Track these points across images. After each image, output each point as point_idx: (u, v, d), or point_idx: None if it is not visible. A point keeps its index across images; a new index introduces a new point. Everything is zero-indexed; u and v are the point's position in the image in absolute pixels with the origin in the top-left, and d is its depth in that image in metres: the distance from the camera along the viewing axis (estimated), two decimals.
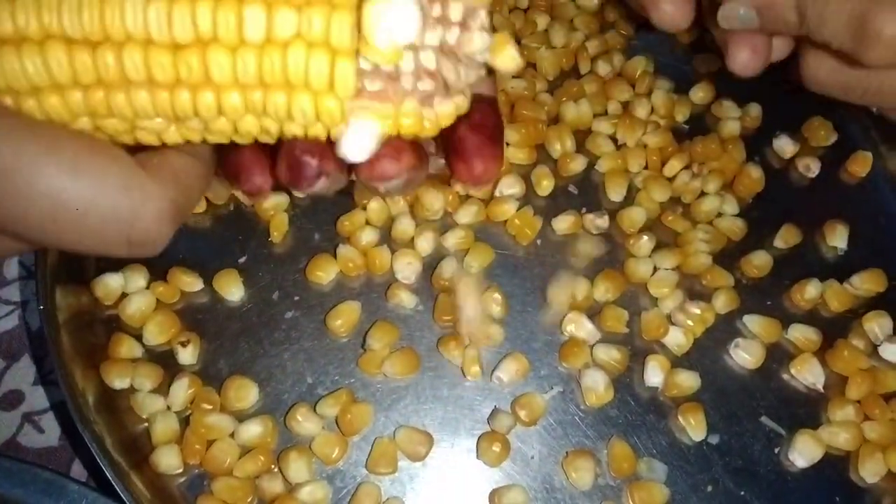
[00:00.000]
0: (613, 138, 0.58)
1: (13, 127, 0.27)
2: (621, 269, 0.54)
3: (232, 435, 0.47)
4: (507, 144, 0.57)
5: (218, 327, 0.51)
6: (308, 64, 0.27)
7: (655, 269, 0.53)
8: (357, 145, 0.29)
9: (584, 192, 0.57)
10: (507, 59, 0.30)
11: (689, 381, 0.50)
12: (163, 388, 0.49)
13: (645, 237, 0.54)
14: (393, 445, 0.48)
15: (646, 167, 0.57)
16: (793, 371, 0.51)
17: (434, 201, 0.54)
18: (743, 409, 0.50)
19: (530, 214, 0.55)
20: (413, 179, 0.31)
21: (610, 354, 0.51)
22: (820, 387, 0.51)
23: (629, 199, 0.56)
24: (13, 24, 0.27)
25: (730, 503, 0.48)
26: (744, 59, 0.41)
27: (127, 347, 0.49)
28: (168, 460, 0.46)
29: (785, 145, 0.59)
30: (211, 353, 0.50)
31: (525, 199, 0.56)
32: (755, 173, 0.57)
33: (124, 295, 0.51)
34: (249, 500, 0.46)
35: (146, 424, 0.48)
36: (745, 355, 0.51)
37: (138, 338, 0.50)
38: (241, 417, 0.48)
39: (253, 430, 0.47)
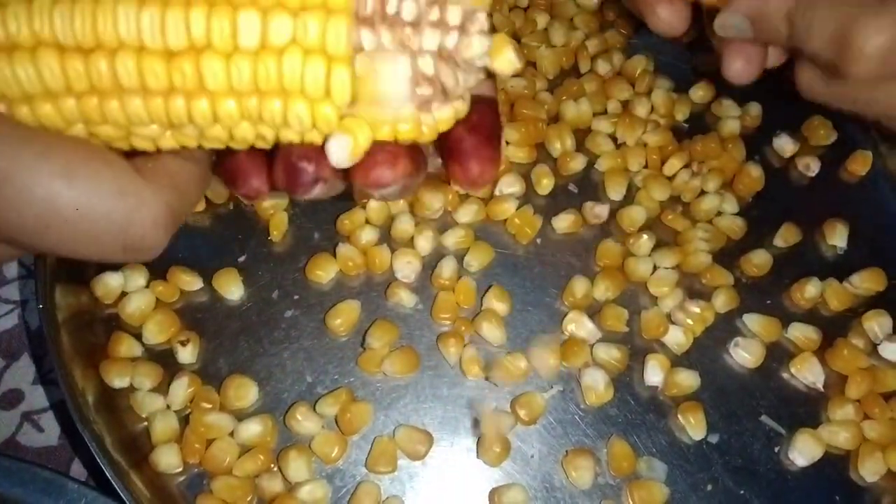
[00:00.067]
0: (613, 137, 0.58)
1: (6, 133, 0.27)
2: (621, 267, 0.54)
3: (231, 434, 0.47)
4: (507, 143, 0.57)
5: (217, 326, 0.51)
6: (304, 71, 0.27)
7: (655, 268, 0.53)
8: (341, 151, 0.28)
9: (584, 191, 0.57)
10: (506, 62, 0.29)
11: (688, 380, 0.50)
12: (162, 387, 0.49)
13: (645, 236, 0.54)
14: (392, 444, 0.48)
15: (646, 166, 0.57)
16: (793, 370, 0.51)
17: (434, 200, 0.54)
18: (743, 408, 0.50)
19: (530, 213, 0.55)
20: (410, 185, 0.31)
21: (610, 353, 0.51)
22: (820, 386, 0.51)
23: (629, 198, 0.56)
24: (4, 31, 0.26)
25: (729, 502, 0.48)
26: (738, 69, 0.42)
27: (126, 346, 0.49)
28: (168, 459, 0.46)
29: (785, 144, 0.59)
30: (210, 352, 0.50)
31: (525, 198, 0.56)
32: (755, 172, 0.57)
33: (124, 294, 0.51)
34: (249, 499, 0.46)
35: (146, 423, 0.48)
36: (744, 354, 0.51)
37: (138, 337, 0.50)
38: (241, 416, 0.48)
39: (252, 429, 0.47)
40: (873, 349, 0.52)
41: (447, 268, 0.52)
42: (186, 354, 0.49)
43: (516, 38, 0.61)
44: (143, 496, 0.44)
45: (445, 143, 0.31)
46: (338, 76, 0.27)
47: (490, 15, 0.62)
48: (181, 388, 0.48)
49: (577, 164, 0.57)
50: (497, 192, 0.55)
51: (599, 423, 0.49)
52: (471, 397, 0.50)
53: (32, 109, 0.27)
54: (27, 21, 0.26)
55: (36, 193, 0.27)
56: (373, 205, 0.54)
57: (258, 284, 0.52)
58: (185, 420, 0.48)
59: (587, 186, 0.57)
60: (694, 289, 0.53)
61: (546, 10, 0.63)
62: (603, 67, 0.61)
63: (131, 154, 0.30)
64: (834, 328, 0.53)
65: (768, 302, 0.54)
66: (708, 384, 0.51)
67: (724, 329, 0.52)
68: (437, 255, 0.53)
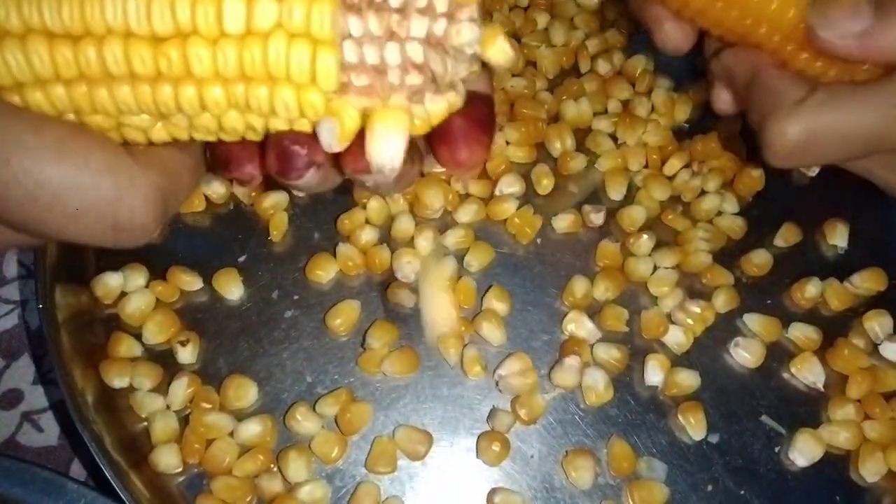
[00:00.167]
0: (613, 137, 0.58)
1: None
2: (621, 267, 0.54)
3: (231, 434, 0.47)
4: (508, 143, 0.56)
5: (217, 326, 0.51)
6: (289, 56, 0.27)
7: (655, 268, 0.53)
8: (329, 134, 0.28)
9: (584, 191, 0.57)
10: (499, 51, 0.29)
11: (688, 379, 0.50)
12: (162, 388, 0.49)
13: (645, 236, 0.54)
14: (392, 444, 0.48)
15: (646, 166, 0.57)
16: (793, 370, 0.51)
17: (434, 200, 0.53)
18: (743, 408, 0.50)
19: (530, 213, 0.54)
20: (403, 175, 0.30)
21: (610, 353, 0.51)
22: (820, 386, 0.51)
23: (629, 198, 0.56)
24: None
25: (730, 502, 0.48)
26: (722, 103, 0.43)
27: (126, 346, 0.49)
28: (167, 459, 0.46)
29: None
30: (210, 353, 0.50)
31: (525, 198, 0.56)
32: (755, 172, 0.57)
33: (124, 294, 0.51)
34: (249, 499, 0.46)
35: (145, 423, 0.48)
36: (745, 354, 0.51)
37: (138, 337, 0.50)
38: (241, 416, 0.48)
39: (252, 430, 0.47)
40: (874, 349, 0.52)
41: (447, 268, 0.52)
42: (186, 354, 0.49)
43: (516, 37, 0.61)
44: (143, 496, 0.44)
45: (436, 128, 0.30)
46: (323, 60, 0.27)
47: (490, 14, 0.63)
48: (181, 388, 0.48)
49: (578, 163, 0.57)
50: (497, 192, 0.55)
51: (599, 423, 0.49)
52: (471, 397, 0.50)
53: (23, 97, 0.28)
54: (16, 8, 0.26)
55: (24, 165, 0.27)
56: (373, 205, 0.54)
57: (258, 284, 0.52)
58: (184, 420, 0.48)
59: (587, 186, 0.57)
60: (694, 289, 0.53)
61: (546, 9, 0.63)
62: (603, 67, 0.61)
63: (124, 146, 0.30)
64: (834, 328, 0.52)
65: (769, 302, 0.54)
66: (708, 384, 0.50)
67: (724, 329, 0.52)
68: (437, 255, 0.53)
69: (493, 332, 0.51)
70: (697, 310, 0.51)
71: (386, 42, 0.28)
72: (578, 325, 0.51)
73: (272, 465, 0.47)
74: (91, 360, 0.48)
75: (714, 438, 0.49)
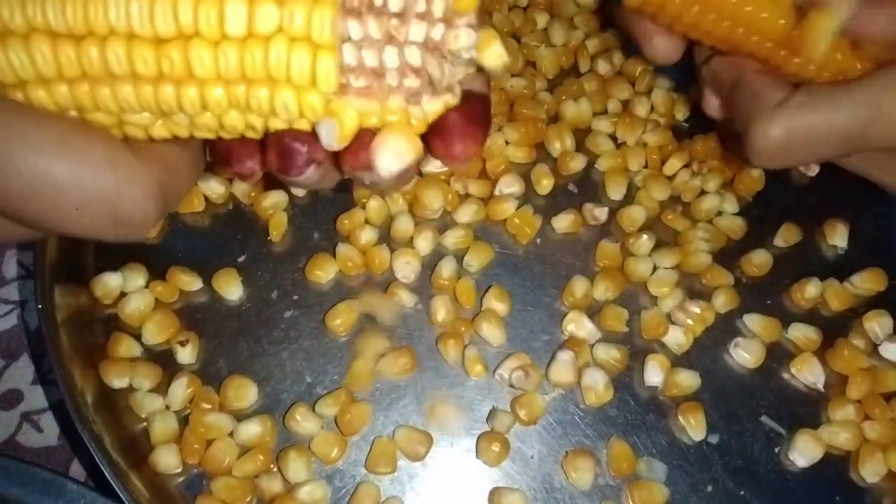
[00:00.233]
0: (613, 137, 0.58)
1: (1, 104, 0.28)
2: (621, 267, 0.54)
3: (231, 434, 0.47)
4: (507, 143, 0.56)
5: (217, 326, 0.51)
6: (290, 59, 0.27)
7: (655, 268, 0.53)
8: (328, 134, 0.29)
9: (583, 191, 0.57)
10: (494, 55, 0.30)
11: (688, 380, 0.50)
12: (162, 388, 0.49)
13: (645, 236, 0.54)
14: (392, 445, 0.48)
15: (645, 166, 0.57)
16: (793, 370, 0.51)
17: (433, 200, 0.53)
18: (743, 409, 0.50)
19: (530, 213, 0.54)
20: (401, 173, 0.31)
21: (610, 354, 0.51)
22: (820, 386, 0.51)
23: (629, 198, 0.56)
24: None
25: (730, 503, 0.48)
26: (711, 109, 0.45)
27: (126, 347, 0.49)
28: (167, 460, 0.46)
29: None
30: (210, 353, 0.50)
31: (525, 198, 0.56)
32: (755, 172, 0.57)
33: (123, 294, 0.51)
34: (248, 499, 0.46)
35: (145, 424, 0.48)
36: (745, 354, 0.51)
37: (137, 337, 0.50)
38: (240, 417, 0.48)
39: (252, 430, 0.47)
40: (874, 349, 0.52)
41: (447, 268, 0.52)
42: (186, 355, 0.49)
43: (516, 37, 0.61)
44: (143, 496, 0.44)
45: (431, 122, 0.31)
46: (323, 64, 0.27)
47: (490, 14, 0.63)
48: (180, 389, 0.48)
49: (577, 163, 0.57)
50: (497, 192, 0.55)
51: (599, 423, 0.49)
52: (470, 398, 0.50)
53: (26, 95, 0.28)
54: (20, 8, 0.27)
55: (27, 159, 0.27)
56: (372, 205, 0.54)
57: (257, 284, 0.52)
58: (184, 420, 0.48)
59: (587, 186, 0.57)
60: (694, 289, 0.53)
61: (546, 9, 0.63)
62: (603, 67, 0.61)
63: (125, 141, 0.30)
64: (834, 328, 0.52)
65: (768, 302, 0.54)
66: (708, 384, 0.50)
67: (724, 329, 0.52)
68: (437, 256, 0.53)
69: (492, 333, 0.51)
70: (697, 310, 0.51)
71: (385, 46, 0.28)
72: (578, 326, 0.51)
73: (272, 466, 0.47)
74: (90, 360, 0.48)
75: (714, 439, 0.49)
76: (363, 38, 0.28)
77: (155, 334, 0.50)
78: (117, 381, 0.48)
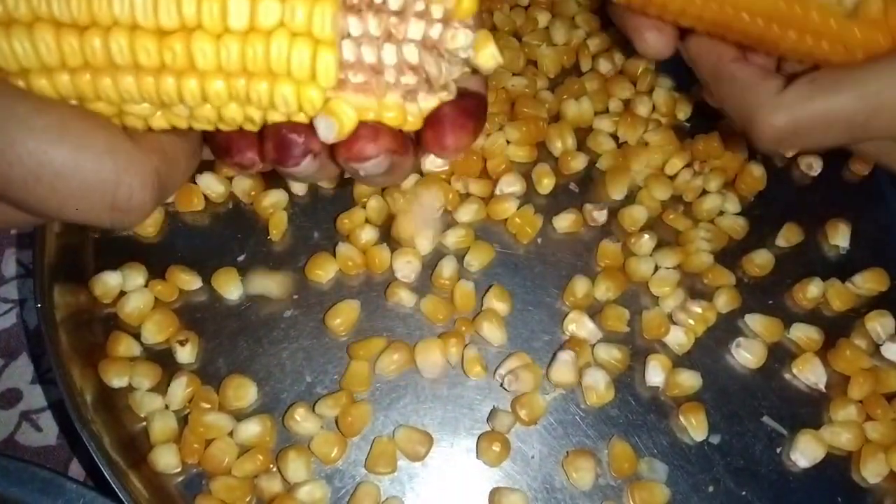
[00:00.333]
0: (615, 136, 0.58)
1: (2, 88, 0.28)
2: (622, 267, 0.53)
3: (230, 434, 0.47)
4: (508, 142, 0.56)
5: (216, 326, 0.51)
6: (290, 53, 0.28)
7: (657, 268, 0.53)
8: (327, 130, 0.29)
9: (585, 191, 0.57)
10: (488, 56, 0.30)
11: (690, 380, 0.50)
12: (161, 387, 0.48)
13: (646, 236, 0.54)
14: (392, 445, 0.48)
15: (647, 165, 0.57)
16: (794, 370, 0.51)
17: (434, 200, 0.53)
18: (744, 409, 0.50)
19: (531, 213, 0.54)
20: (397, 166, 0.32)
21: (611, 354, 0.50)
22: (822, 386, 0.50)
23: (630, 198, 0.56)
24: (3, 7, 0.27)
25: (731, 503, 0.47)
26: (709, 97, 0.45)
27: (125, 346, 0.49)
28: (166, 459, 0.46)
29: None
30: (209, 352, 0.50)
31: (526, 198, 0.55)
32: (757, 171, 0.57)
33: (122, 293, 0.51)
34: (248, 499, 0.46)
35: (144, 423, 0.48)
36: (746, 355, 0.51)
37: (137, 336, 0.50)
38: (240, 416, 0.48)
39: (251, 430, 0.47)
40: (876, 350, 0.51)
41: (447, 267, 0.52)
42: (185, 354, 0.49)
43: (517, 36, 0.61)
44: (142, 496, 0.44)
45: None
46: (323, 59, 0.28)
47: (490, 13, 0.63)
48: (180, 388, 0.48)
49: (579, 163, 0.57)
50: (497, 192, 0.55)
51: (600, 423, 0.49)
52: (471, 398, 0.49)
53: (28, 83, 0.29)
54: None
55: (28, 146, 0.28)
56: (372, 204, 0.54)
57: None
58: (183, 420, 0.48)
59: (588, 186, 0.57)
60: (695, 289, 0.53)
61: (547, 8, 0.63)
62: (604, 66, 0.60)
63: (124, 130, 0.31)
64: (836, 328, 0.52)
65: (770, 302, 0.53)
66: (709, 385, 0.50)
67: (725, 329, 0.52)
68: (438, 255, 0.53)
69: (493, 333, 0.51)
70: (699, 310, 0.51)
71: (383, 43, 0.29)
72: (579, 326, 0.51)
73: (271, 466, 0.47)
74: (90, 359, 0.48)
75: (715, 439, 0.49)
76: (362, 34, 0.29)
77: (154, 333, 0.50)
78: (116, 381, 0.48)
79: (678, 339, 0.51)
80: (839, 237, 0.55)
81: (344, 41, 0.29)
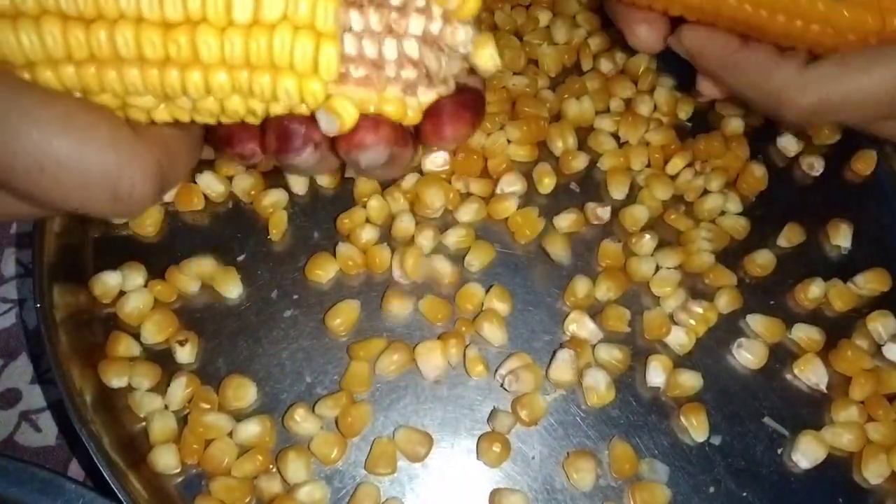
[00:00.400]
0: (616, 136, 0.58)
1: (8, 80, 0.29)
2: (623, 267, 0.53)
3: (230, 434, 0.47)
4: (509, 142, 0.56)
5: (216, 326, 0.51)
6: (293, 46, 0.28)
7: (658, 268, 0.53)
8: (329, 126, 0.30)
9: (586, 190, 0.56)
10: (487, 57, 0.31)
11: (691, 381, 0.50)
12: (161, 387, 0.48)
13: (647, 236, 0.53)
14: (392, 446, 0.48)
15: (648, 165, 0.57)
16: (796, 371, 0.51)
17: (434, 199, 0.53)
18: (745, 410, 0.50)
19: (531, 213, 0.54)
20: (396, 158, 0.32)
21: (611, 354, 0.50)
22: (823, 387, 0.50)
23: (631, 197, 0.56)
24: (10, 0, 0.28)
25: None
26: (708, 87, 0.45)
27: (125, 346, 0.49)
28: (166, 460, 0.46)
29: (788, 143, 0.58)
30: (209, 352, 0.50)
31: (527, 197, 0.55)
32: (758, 171, 0.57)
33: (122, 293, 0.50)
34: (247, 500, 0.46)
35: (144, 423, 0.48)
36: (747, 355, 0.51)
37: (136, 336, 0.50)
38: (240, 417, 0.48)
39: (251, 430, 0.47)
40: (877, 350, 0.51)
41: (448, 267, 0.52)
42: (185, 354, 0.49)
43: (518, 35, 0.61)
44: (141, 497, 0.44)
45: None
46: (325, 52, 0.28)
47: (492, 12, 0.63)
48: (179, 388, 0.48)
49: (580, 162, 0.57)
50: (498, 191, 0.55)
51: (601, 424, 0.49)
52: (471, 398, 0.49)
53: (34, 75, 0.29)
54: None
55: (33, 136, 0.28)
56: (373, 204, 0.53)
57: (257, 284, 0.52)
58: (183, 420, 0.48)
59: (589, 185, 0.57)
60: (696, 289, 0.53)
61: (548, 7, 0.63)
62: (605, 65, 0.60)
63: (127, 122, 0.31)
64: (838, 329, 0.52)
65: (771, 302, 0.53)
66: (710, 385, 0.50)
67: (726, 330, 0.52)
68: (438, 255, 0.53)
69: (494, 333, 0.50)
70: (700, 310, 0.51)
71: (384, 38, 0.29)
72: (580, 326, 0.51)
73: (271, 466, 0.47)
74: (89, 359, 0.48)
75: (716, 440, 0.49)
76: (364, 29, 0.29)
77: (154, 333, 0.49)
78: (116, 381, 0.48)
79: (679, 339, 0.51)
80: (841, 237, 0.55)
81: (346, 35, 0.29)
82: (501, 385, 0.49)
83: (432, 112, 0.31)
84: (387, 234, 0.53)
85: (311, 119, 0.30)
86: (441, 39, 0.30)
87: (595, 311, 0.52)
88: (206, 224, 0.54)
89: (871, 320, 0.52)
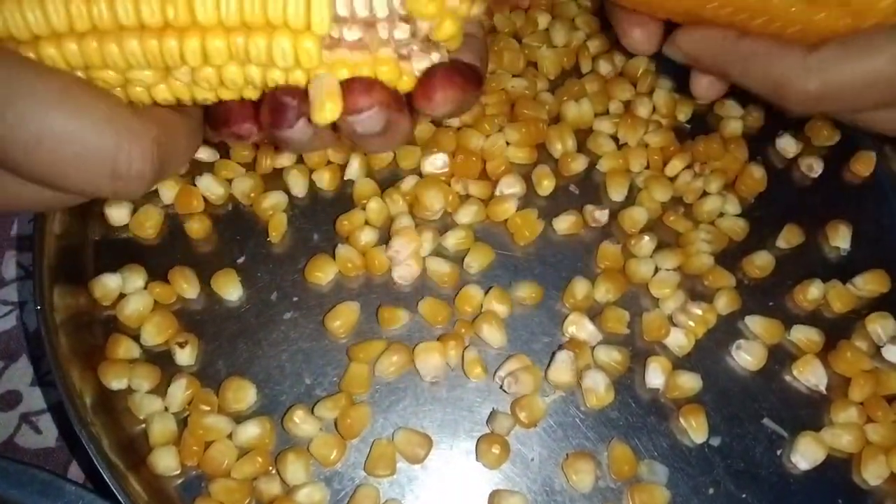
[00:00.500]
0: (615, 138, 0.58)
1: (8, 56, 0.29)
2: (622, 269, 0.53)
3: (230, 436, 0.47)
4: (508, 144, 0.56)
5: (216, 328, 0.51)
6: (286, 2, 0.29)
7: (657, 270, 0.53)
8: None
9: (585, 192, 0.56)
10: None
11: (690, 382, 0.50)
12: (160, 389, 0.48)
13: (646, 237, 0.53)
14: (391, 447, 0.48)
15: (647, 167, 0.57)
16: (795, 372, 0.51)
17: (434, 201, 0.53)
18: (745, 411, 0.50)
19: (531, 215, 0.54)
20: (392, 125, 0.32)
21: (611, 355, 0.50)
22: (822, 388, 0.50)
23: (630, 199, 0.56)
24: None
25: None
26: (702, 88, 0.46)
27: (125, 348, 0.49)
28: (166, 462, 0.46)
29: (787, 145, 0.59)
30: (209, 354, 0.50)
31: (526, 199, 0.55)
32: (757, 173, 0.57)
33: (122, 295, 0.51)
34: (247, 501, 0.46)
35: (144, 425, 0.48)
36: (746, 356, 0.51)
37: (136, 338, 0.50)
38: (239, 419, 0.48)
39: (251, 432, 0.47)
40: (876, 351, 0.51)
41: (447, 269, 0.52)
42: (185, 356, 0.49)
43: (517, 38, 0.61)
44: (141, 499, 0.44)
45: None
46: (317, 8, 0.29)
47: (490, 15, 0.63)
48: (179, 390, 0.48)
49: (579, 164, 0.57)
50: (497, 193, 0.55)
51: (600, 425, 0.49)
52: (470, 400, 0.49)
53: (38, 52, 0.30)
54: None
55: (30, 108, 0.29)
56: (372, 206, 0.53)
57: (257, 286, 0.52)
58: (183, 422, 0.48)
59: (588, 187, 0.57)
60: (696, 290, 0.53)
61: (547, 10, 0.63)
62: (604, 68, 0.60)
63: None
64: (837, 330, 0.52)
65: (770, 304, 0.53)
66: (710, 387, 0.50)
67: (725, 331, 0.52)
68: (437, 256, 0.53)
69: (493, 334, 0.50)
70: (699, 312, 0.51)
71: None
72: (579, 327, 0.51)
73: (270, 468, 0.47)
74: (89, 361, 0.48)
75: (715, 441, 0.49)
76: None
77: (154, 335, 0.50)
78: (116, 383, 0.48)
79: (678, 340, 0.51)
80: (840, 238, 0.55)
81: None
82: (500, 387, 0.49)
83: (423, 77, 0.32)
84: (386, 236, 0.53)
85: (305, 93, 0.31)
86: None
87: (594, 313, 0.52)
88: (206, 225, 0.54)
89: (870, 321, 0.52)
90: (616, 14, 0.44)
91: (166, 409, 0.48)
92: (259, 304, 0.51)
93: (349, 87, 0.31)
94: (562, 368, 0.49)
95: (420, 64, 0.31)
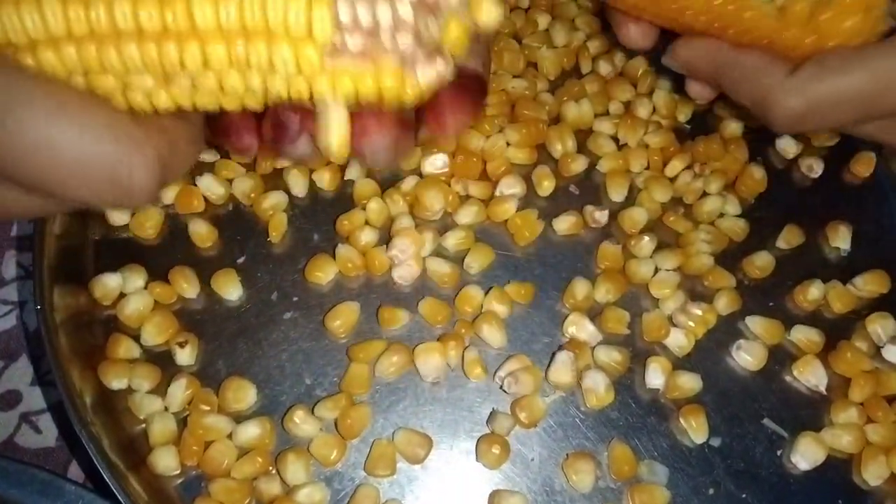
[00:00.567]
0: (615, 138, 0.58)
1: (5, 64, 0.29)
2: (622, 269, 0.53)
3: (230, 436, 0.47)
4: (508, 144, 0.56)
5: (216, 328, 0.51)
6: (287, 9, 0.28)
7: (657, 270, 0.53)
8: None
9: (585, 193, 0.56)
10: (485, 11, 0.30)
11: (690, 382, 0.50)
12: (160, 389, 0.48)
13: (646, 238, 0.53)
14: (391, 447, 0.48)
15: (647, 167, 0.57)
16: (795, 373, 0.51)
17: (434, 201, 0.53)
18: (745, 411, 0.50)
19: (531, 215, 0.54)
20: (397, 143, 0.32)
21: (611, 356, 0.50)
22: (822, 389, 0.50)
23: (630, 200, 0.56)
24: None
25: None
26: (696, 90, 0.47)
27: (125, 348, 0.49)
28: (166, 461, 0.46)
29: (788, 145, 0.59)
30: (209, 354, 0.50)
31: (526, 200, 0.55)
32: (758, 173, 0.57)
33: (122, 295, 0.51)
34: (247, 501, 0.46)
35: (144, 425, 0.48)
36: (746, 357, 0.51)
37: (136, 338, 0.50)
38: (239, 418, 0.48)
39: (251, 432, 0.47)
40: (876, 352, 0.51)
41: (447, 269, 0.52)
42: (185, 356, 0.49)
43: (517, 38, 0.61)
44: (141, 498, 0.44)
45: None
46: (319, 15, 0.28)
47: None
48: (179, 390, 0.48)
49: (579, 165, 0.57)
50: (497, 193, 0.55)
51: (600, 426, 0.49)
52: (470, 400, 0.49)
53: (37, 58, 0.29)
54: None
55: (28, 114, 0.28)
56: (372, 206, 0.53)
57: (257, 286, 0.52)
58: (183, 422, 0.48)
59: (588, 188, 0.57)
60: (696, 291, 0.53)
61: (547, 10, 0.63)
62: (604, 68, 0.60)
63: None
64: (837, 331, 0.52)
65: (771, 304, 0.53)
66: (710, 387, 0.50)
67: (726, 331, 0.52)
68: (437, 257, 0.53)
69: (493, 335, 0.50)
70: (699, 312, 0.51)
71: (378, 1, 0.29)
72: (579, 328, 0.51)
73: (271, 468, 0.47)
74: (89, 361, 0.48)
75: (716, 442, 0.49)
76: None
77: (154, 335, 0.50)
78: (116, 383, 0.48)
79: (678, 341, 0.51)
80: (840, 239, 0.55)
81: (339, 1, 0.29)
82: (501, 387, 0.49)
83: (432, 100, 0.31)
84: (386, 236, 0.53)
85: (307, 109, 0.30)
86: (436, 5, 0.29)
87: (594, 313, 0.52)
88: (206, 225, 0.54)
89: (870, 322, 0.52)
90: (612, 12, 0.45)
91: (166, 408, 0.48)
92: (259, 304, 0.51)
93: (361, 123, 0.30)
94: (562, 369, 0.49)
95: (425, 72, 0.30)
